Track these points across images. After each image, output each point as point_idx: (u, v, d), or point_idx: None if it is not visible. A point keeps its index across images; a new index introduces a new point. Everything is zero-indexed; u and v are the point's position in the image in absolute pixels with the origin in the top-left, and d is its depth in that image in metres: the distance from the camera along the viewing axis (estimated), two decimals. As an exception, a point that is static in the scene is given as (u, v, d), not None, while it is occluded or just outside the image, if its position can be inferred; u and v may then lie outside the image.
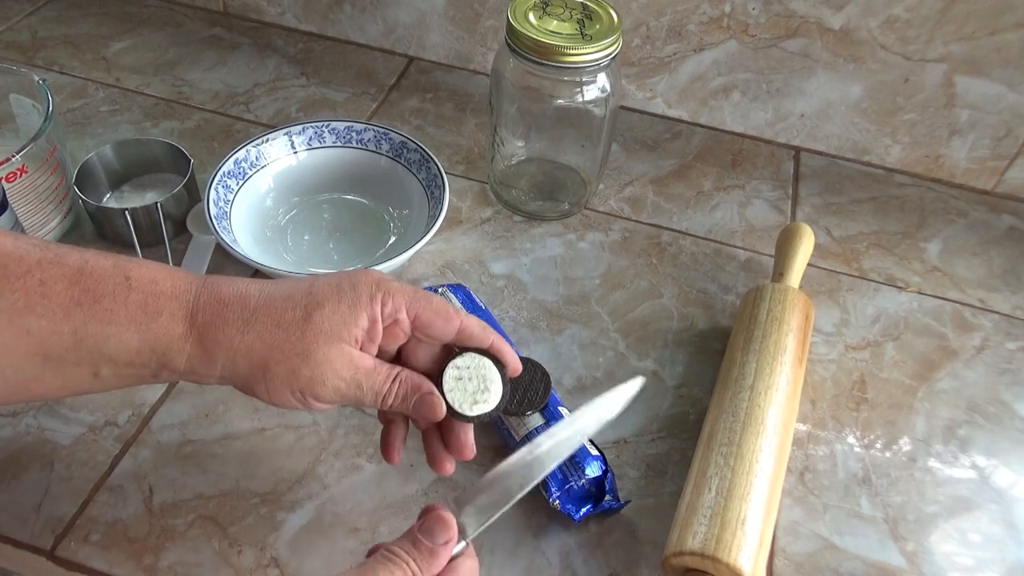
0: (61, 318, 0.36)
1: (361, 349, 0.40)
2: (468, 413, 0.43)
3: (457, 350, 0.44)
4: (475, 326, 0.43)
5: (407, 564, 0.36)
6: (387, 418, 0.46)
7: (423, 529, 0.38)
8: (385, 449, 0.45)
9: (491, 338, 0.44)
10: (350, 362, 0.39)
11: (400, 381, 0.41)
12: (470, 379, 0.43)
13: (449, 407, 0.42)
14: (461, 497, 0.40)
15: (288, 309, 0.39)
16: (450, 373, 0.43)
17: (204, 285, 0.39)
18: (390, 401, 0.41)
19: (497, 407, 0.43)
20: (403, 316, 0.41)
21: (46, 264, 0.37)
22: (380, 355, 0.42)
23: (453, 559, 0.38)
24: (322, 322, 0.39)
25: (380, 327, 0.40)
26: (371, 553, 0.39)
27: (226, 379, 0.39)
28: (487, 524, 0.39)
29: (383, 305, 0.40)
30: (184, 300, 0.38)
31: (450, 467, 0.44)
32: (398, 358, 0.44)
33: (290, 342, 0.38)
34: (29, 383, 0.37)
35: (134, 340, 0.37)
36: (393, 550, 0.37)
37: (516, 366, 0.45)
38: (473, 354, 0.44)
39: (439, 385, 0.42)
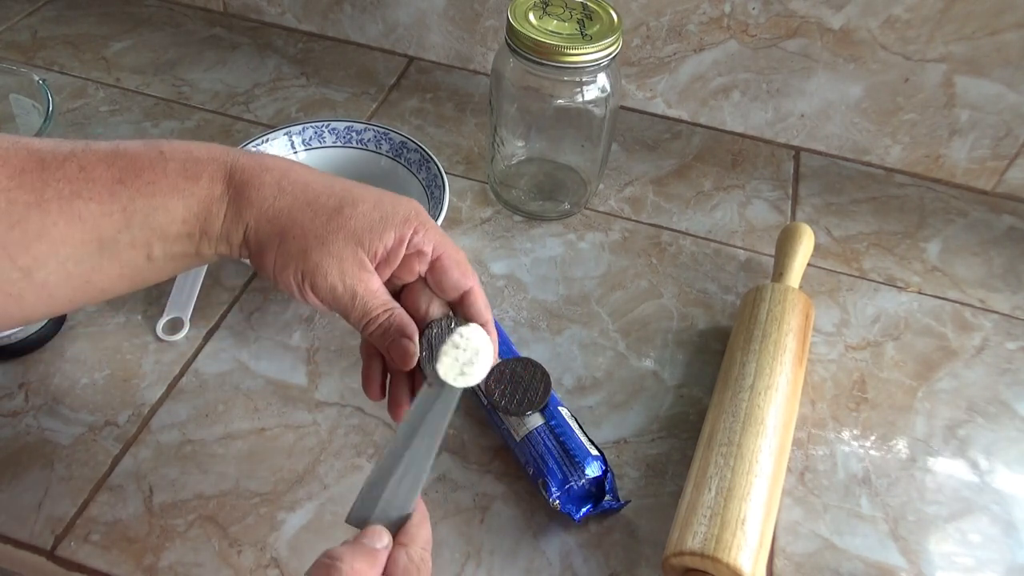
0: (108, 198, 0.36)
1: (378, 267, 0.40)
2: (452, 383, 0.41)
3: (456, 318, 0.43)
4: (481, 298, 0.43)
5: (349, 567, 0.34)
6: (367, 353, 0.45)
7: (364, 533, 0.37)
8: (366, 384, 0.44)
9: (488, 317, 0.44)
10: (357, 270, 0.39)
11: (391, 315, 0.40)
12: (465, 350, 0.42)
13: (435, 371, 0.41)
14: (363, 508, 0.38)
15: (324, 194, 0.39)
16: (452, 339, 0.42)
17: (243, 151, 0.40)
18: (371, 328, 0.40)
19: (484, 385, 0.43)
20: (428, 251, 0.41)
21: (79, 152, 0.37)
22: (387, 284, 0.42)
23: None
24: (350, 219, 0.39)
25: (402, 252, 0.40)
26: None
27: (247, 243, 0.39)
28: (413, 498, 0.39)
29: (415, 232, 0.40)
30: (222, 161, 0.39)
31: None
32: (398, 297, 0.43)
33: (314, 223, 0.38)
34: (90, 274, 0.37)
35: (179, 208, 0.38)
36: (333, 553, 0.35)
37: (495, 353, 0.44)
38: (475, 327, 0.43)
39: (433, 345, 0.42)
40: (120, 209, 0.37)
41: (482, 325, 0.43)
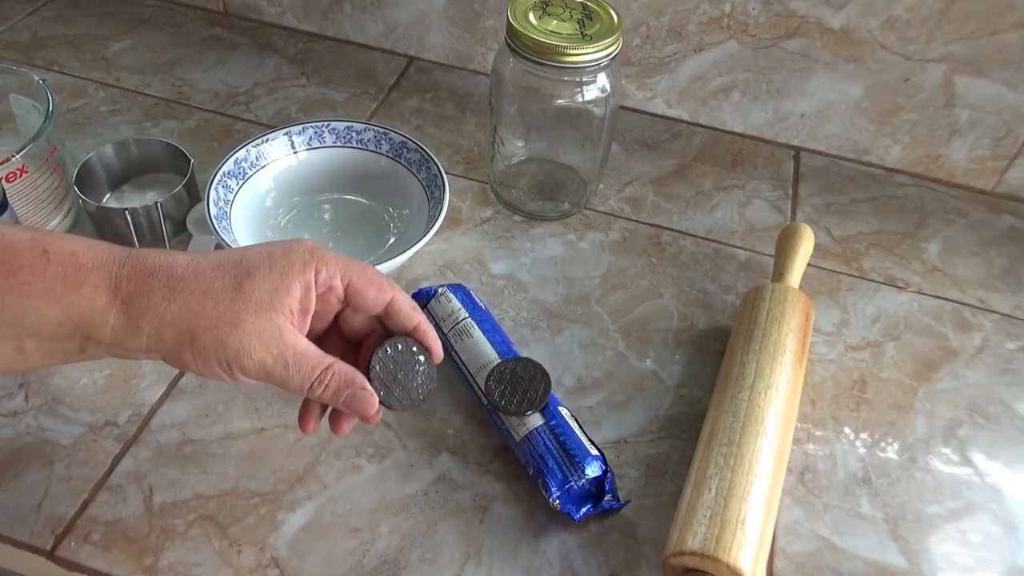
0: None
1: (296, 321, 0.39)
2: (394, 405, 0.42)
3: (395, 340, 0.43)
4: (406, 304, 0.43)
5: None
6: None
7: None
8: (301, 419, 0.44)
9: (418, 319, 0.43)
10: (280, 337, 0.38)
11: (333, 373, 0.40)
12: (400, 365, 0.43)
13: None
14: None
15: (217, 278, 0.38)
16: (381, 364, 0.42)
17: (129, 256, 0.38)
18: (319, 391, 0.39)
19: (423, 398, 0.43)
20: (337, 283, 0.40)
21: None
22: (316, 322, 0.42)
23: None
24: (253, 290, 0.38)
25: (313, 295, 0.40)
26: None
27: (153, 350, 0.38)
28: None
29: (317, 273, 0.39)
30: (107, 271, 0.37)
31: (347, 427, 0.43)
32: (334, 325, 0.44)
33: (218, 310, 0.37)
34: None
35: (54, 313, 0.36)
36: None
37: (438, 352, 0.44)
38: (404, 339, 0.43)
39: (369, 371, 0.42)
40: None
41: (413, 329, 0.43)
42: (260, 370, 0.38)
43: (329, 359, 0.40)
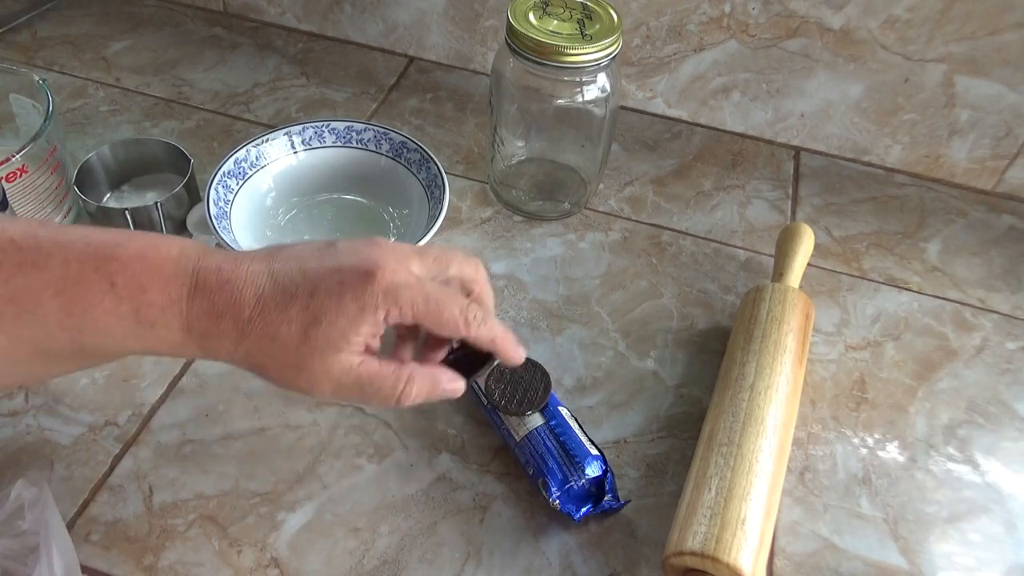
0: (56, 330, 0.36)
1: (363, 350, 0.39)
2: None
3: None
4: (484, 341, 0.42)
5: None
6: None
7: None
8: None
9: (496, 347, 0.43)
10: (348, 369, 0.38)
11: (414, 383, 0.40)
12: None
13: None
14: None
15: (283, 323, 0.38)
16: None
17: (195, 291, 0.37)
18: (407, 403, 0.40)
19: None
20: (408, 319, 0.40)
21: (27, 268, 0.35)
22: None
23: None
24: (319, 338, 0.38)
25: (380, 332, 0.39)
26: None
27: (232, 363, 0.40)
28: None
29: (388, 315, 0.39)
30: (178, 309, 0.37)
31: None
32: None
33: (285, 355, 0.38)
34: (38, 372, 0.38)
35: (135, 346, 0.37)
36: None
37: (509, 362, 0.43)
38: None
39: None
40: (69, 340, 0.36)
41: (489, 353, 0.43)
42: (336, 395, 0.39)
43: (404, 370, 0.40)
